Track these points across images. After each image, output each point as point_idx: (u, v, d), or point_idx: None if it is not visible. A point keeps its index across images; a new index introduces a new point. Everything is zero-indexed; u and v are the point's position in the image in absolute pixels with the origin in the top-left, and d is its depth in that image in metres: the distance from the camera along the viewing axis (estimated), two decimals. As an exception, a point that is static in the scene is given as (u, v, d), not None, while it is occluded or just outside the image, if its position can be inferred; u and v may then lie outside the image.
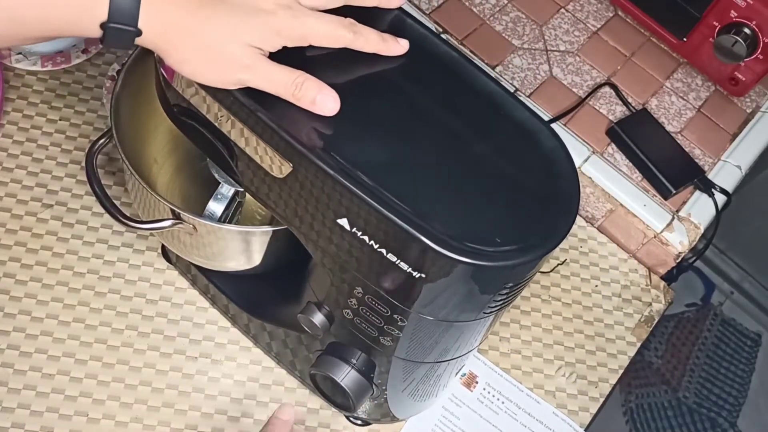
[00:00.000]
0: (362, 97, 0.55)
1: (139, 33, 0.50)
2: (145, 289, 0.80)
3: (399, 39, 0.56)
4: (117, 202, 0.80)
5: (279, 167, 0.54)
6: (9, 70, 0.88)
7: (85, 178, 0.82)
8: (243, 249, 0.68)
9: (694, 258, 0.97)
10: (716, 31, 0.94)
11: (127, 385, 0.75)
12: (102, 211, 0.72)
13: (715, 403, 1.48)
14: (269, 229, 0.65)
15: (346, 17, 0.55)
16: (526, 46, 1.02)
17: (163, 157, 0.80)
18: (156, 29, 0.50)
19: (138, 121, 0.74)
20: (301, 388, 0.78)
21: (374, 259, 0.53)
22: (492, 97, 0.58)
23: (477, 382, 0.82)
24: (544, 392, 0.83)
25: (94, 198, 0.69)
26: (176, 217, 0.65)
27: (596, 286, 0.92)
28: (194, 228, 0.65)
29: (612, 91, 1.00)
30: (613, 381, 0.86)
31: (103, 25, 0.49)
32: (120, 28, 0.49)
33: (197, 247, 0.69)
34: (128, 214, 0.67)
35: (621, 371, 0.87)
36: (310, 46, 0.54)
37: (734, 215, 0.99)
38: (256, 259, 0.69)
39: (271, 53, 0.53)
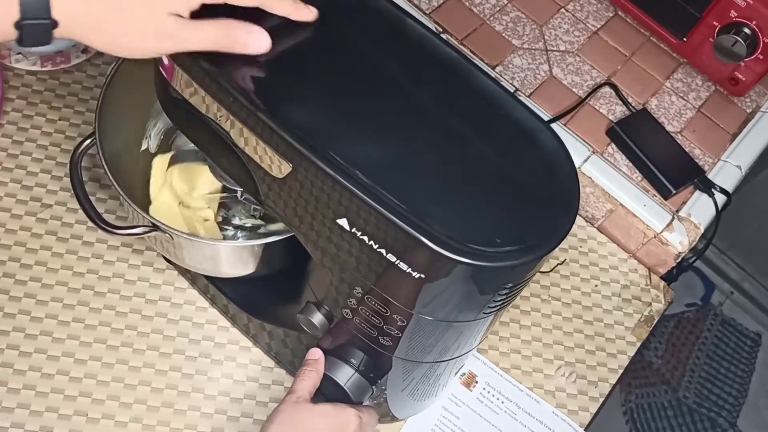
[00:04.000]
0: (362, 97, 0.55)
1: (55, 24, 0.48)
2: (145, 288, 0.80)
3: (309, 6, 0.55)
4: (116, 202, 0.80)
5: (278, 167, 0.54)
6: (9, 70, 0.88)
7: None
8: (230, 260, 0.68)
9: (694, 258, 0.97)
10: (716, 31, 0.94)
11: (126, 385, 0.75)
12: (102, 211, 0.72)
13: (715, 403, 1.48)
14: (243, 244, 0.65)
15: (348, 15, 0.55)
16: (526, 46, 1.02)
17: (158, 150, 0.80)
18: (71, 16, 0.49)
19: (129, 121, 0.75)
20: (301, 388, 0.78)
21: (374, 260, 0.53)
22: (492, 97, 0.58)
23: (477, 382, 0.82)
24: (543, 392, 0.83)
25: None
26: (153, 226, 0.65)
27: (596, 285, 0.92)
28: (170, 237, 0.65)
29: (612, 91, 1.00)
30: (613, 381, 0.86)
31: (17, 24, 0.48)
32: (35, 24, 0.48)
33: (192, 258, 0.69)
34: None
35: (621, 371, 0.87)
36: (313, 46, 0.54)
37: (734, 215, 0.99)
38: (250, 267, 0.69)
39: (276, 50, 0.53)
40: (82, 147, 0.69)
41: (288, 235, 0.63)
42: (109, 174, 0.66)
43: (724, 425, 1.49)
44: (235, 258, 0.68)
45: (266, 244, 0.65)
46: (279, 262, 0.70)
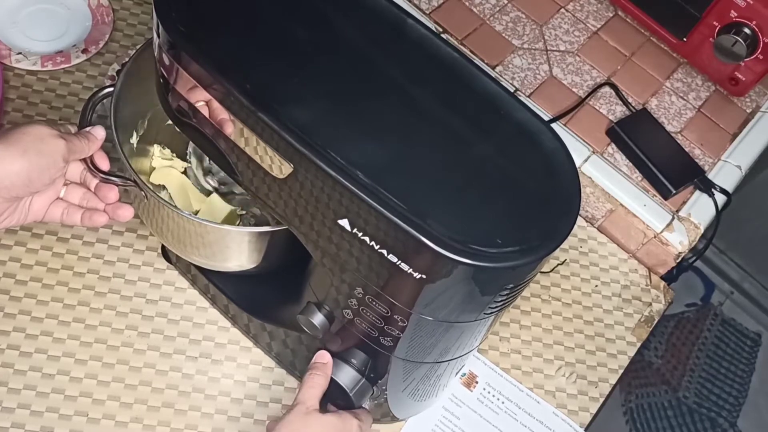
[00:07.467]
0: (363, 98, 0.55)
1: None
2: (145, 289, 0.80)
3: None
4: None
5: (279, 167, 0.54)
6: (9, 70, 0.88)
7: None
8: (229, 245, 0.68)
9: (694, 258, 0.97)
10: (716, 31, 0.94)
11: (127, 385, 0.75)
12: (102, 211, 0.72)
13: (715, 403, 1.48)
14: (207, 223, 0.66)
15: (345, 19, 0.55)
16: (526, 46, 1.02)
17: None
18: None
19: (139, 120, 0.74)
20: (301, 388, 0.78)
21: (375, 260, 0.53)
22: (492, 98, 0.58)
23: (477, 382, 0.82)
24: (544, 392, 0.83)
25: (94, 198, 0.69)
26: (132, 180, 0.65)
27: (596, 286, 0.92)
28: (146, 196, 0.65)
29: (612, 91, 1.00)
30: (613, 381, 0.86)
31: None
32: None
33: (197, 246, 0.69)
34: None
35: (621, 371, 0.87)
36: (313, 46, 0.54)
37: (734, 215, 0.99)
38: (254, 258, 0.69)
39: (278, 52, 0.53)
40: (100, 94, 0.68)
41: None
42: (112, 121, 0.66)
43: (724, 425, 1.49)
44: (209, 235, 0.67)
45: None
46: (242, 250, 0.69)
